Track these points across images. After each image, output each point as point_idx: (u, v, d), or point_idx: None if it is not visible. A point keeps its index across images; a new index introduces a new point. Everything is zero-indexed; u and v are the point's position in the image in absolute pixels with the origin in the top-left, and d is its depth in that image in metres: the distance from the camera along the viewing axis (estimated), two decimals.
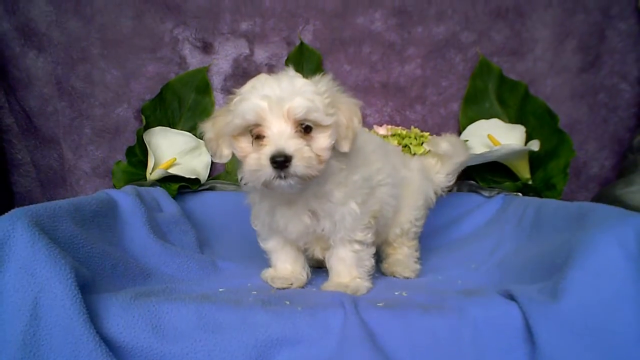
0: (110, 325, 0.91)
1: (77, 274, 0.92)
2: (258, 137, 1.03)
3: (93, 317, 0.90)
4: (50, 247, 0.91)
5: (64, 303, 0.87)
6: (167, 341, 0.91)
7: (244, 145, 1.06)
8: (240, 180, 1.15)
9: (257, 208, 1.21)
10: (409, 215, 1.36)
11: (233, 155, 1.12)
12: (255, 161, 1.01)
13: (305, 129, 1.03)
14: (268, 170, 1.00)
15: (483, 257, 1.39)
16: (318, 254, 1.24)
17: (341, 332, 0.93)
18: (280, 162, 0.98)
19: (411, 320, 0.96)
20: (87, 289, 0.95)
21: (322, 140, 1.04)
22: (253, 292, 1.08)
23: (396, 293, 1.11)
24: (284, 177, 1.00)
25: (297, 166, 0.99)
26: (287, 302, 1.01)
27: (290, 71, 1.08)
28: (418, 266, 1.37)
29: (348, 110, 1.09)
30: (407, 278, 1.32)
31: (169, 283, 1.17)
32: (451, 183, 1.54)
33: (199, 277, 1.25)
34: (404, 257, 1.37)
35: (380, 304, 1.00)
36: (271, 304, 1.00)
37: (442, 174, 1.52)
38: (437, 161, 1.53)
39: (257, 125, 1.02)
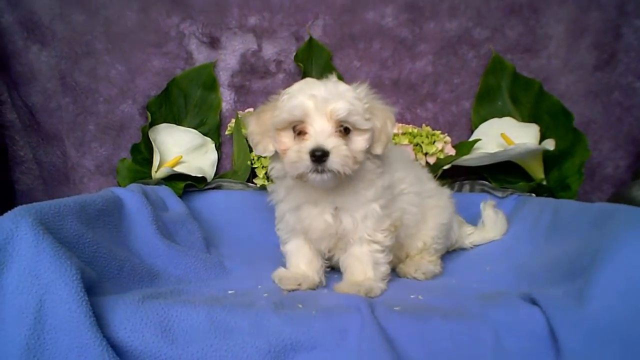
0: (117, 329, 0.87)
1: (83, 275, 0.88)
2: (300, 133, 1.10)
3: (100, 321, 0.86)
4: (56, 247, 0.87)
5: (70, 306, 0.84)
6: (177, 346, 0.87)
7: (286, 139, 1.12)
8: (270, 171, 1.22)
9: (281, 207, 1.23)
10: (433, 229, 1.35)
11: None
12: (296, 154, 1.07)
13: (345, 130, 1.10)
14: (306, 163, 1.06)
15: (498, 259, 1.35)
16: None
17: (358, 337, 0.89)
18: (319, 156, 1.05)
19: (431, 326, 0.92)
20: (93, 291, 0.91)
21: (358, 142, 1.11)
22: (264, 295, 1.04)
23: (412, 296, 1.07)
24: (320, 171, 1.06)
25: (334, 162, 1.05)
26: (300, 306, 0.98)
27: (333, 78, 1.15)
28: (433, 268, 1.33)
29: (383, 115, 1.16)
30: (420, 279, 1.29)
31: (177, 284, 1.13)
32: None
33: (207, 279, 1.21)
34: (419, 259, 1.33)
35: (397, 308, 0.96)
36: (284, 307, 0.96)
37: (469, 239, 1.52)
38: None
39: (301, 121, 1.09)
